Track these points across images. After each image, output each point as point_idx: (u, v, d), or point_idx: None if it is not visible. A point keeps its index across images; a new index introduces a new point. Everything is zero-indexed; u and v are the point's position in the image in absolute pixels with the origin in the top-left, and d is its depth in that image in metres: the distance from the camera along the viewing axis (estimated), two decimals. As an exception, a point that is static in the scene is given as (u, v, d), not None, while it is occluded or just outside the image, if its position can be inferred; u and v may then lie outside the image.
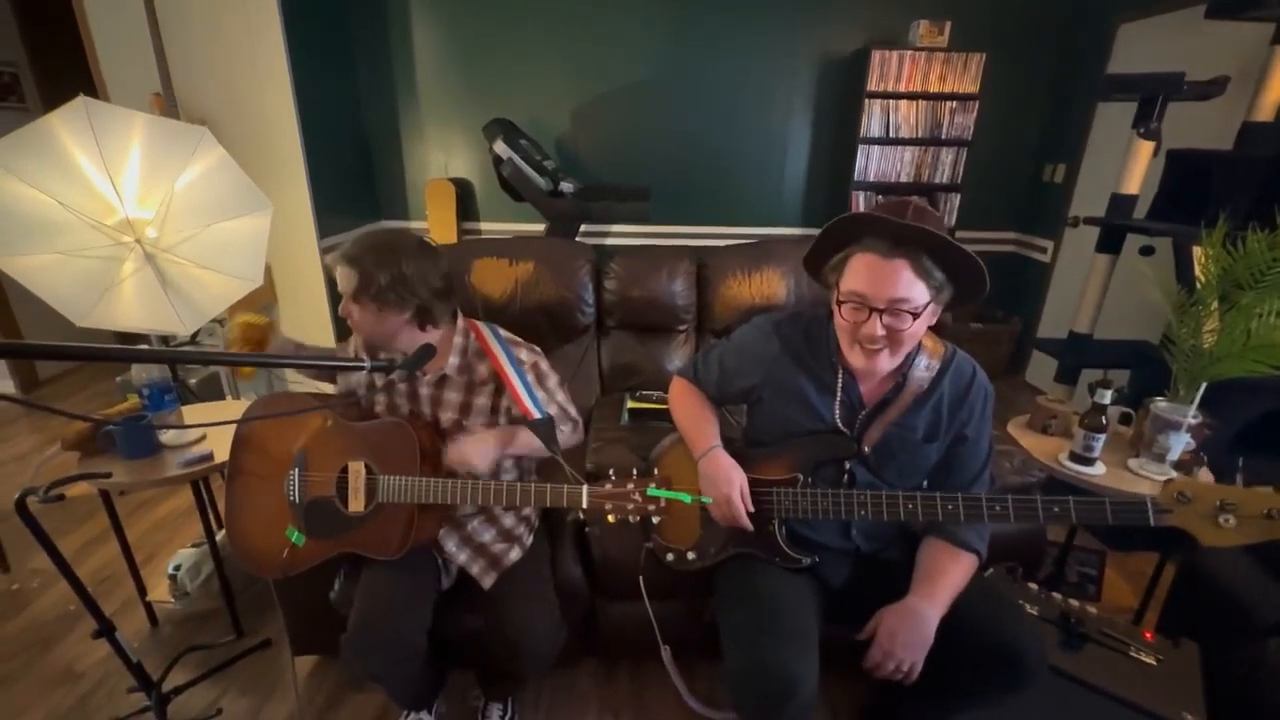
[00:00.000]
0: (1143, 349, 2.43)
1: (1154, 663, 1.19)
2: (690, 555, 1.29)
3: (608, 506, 1.08)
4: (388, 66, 3.39)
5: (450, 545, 1.32)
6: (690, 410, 1.32)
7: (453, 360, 1.30)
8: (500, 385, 1.29)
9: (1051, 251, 3.50)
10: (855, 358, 1.08)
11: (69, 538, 2.14)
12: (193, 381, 2.62)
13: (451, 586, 1.36)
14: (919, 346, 1.13)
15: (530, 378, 1.30)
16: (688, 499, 1.08)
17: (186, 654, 1.61)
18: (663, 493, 1.07)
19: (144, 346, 1.95)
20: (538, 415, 1.21)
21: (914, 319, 1.00)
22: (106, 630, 1.29)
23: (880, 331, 1.01)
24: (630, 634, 1.55)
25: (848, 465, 1.17)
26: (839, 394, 1.15)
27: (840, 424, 1.16)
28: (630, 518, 1.09)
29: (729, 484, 1.17)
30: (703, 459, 1.22)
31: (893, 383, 1.14)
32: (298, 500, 1.27)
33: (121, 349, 0.76)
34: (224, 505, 1.35)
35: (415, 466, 1.20)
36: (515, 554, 1.33)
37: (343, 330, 3.17)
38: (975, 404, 1.15)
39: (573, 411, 1.38)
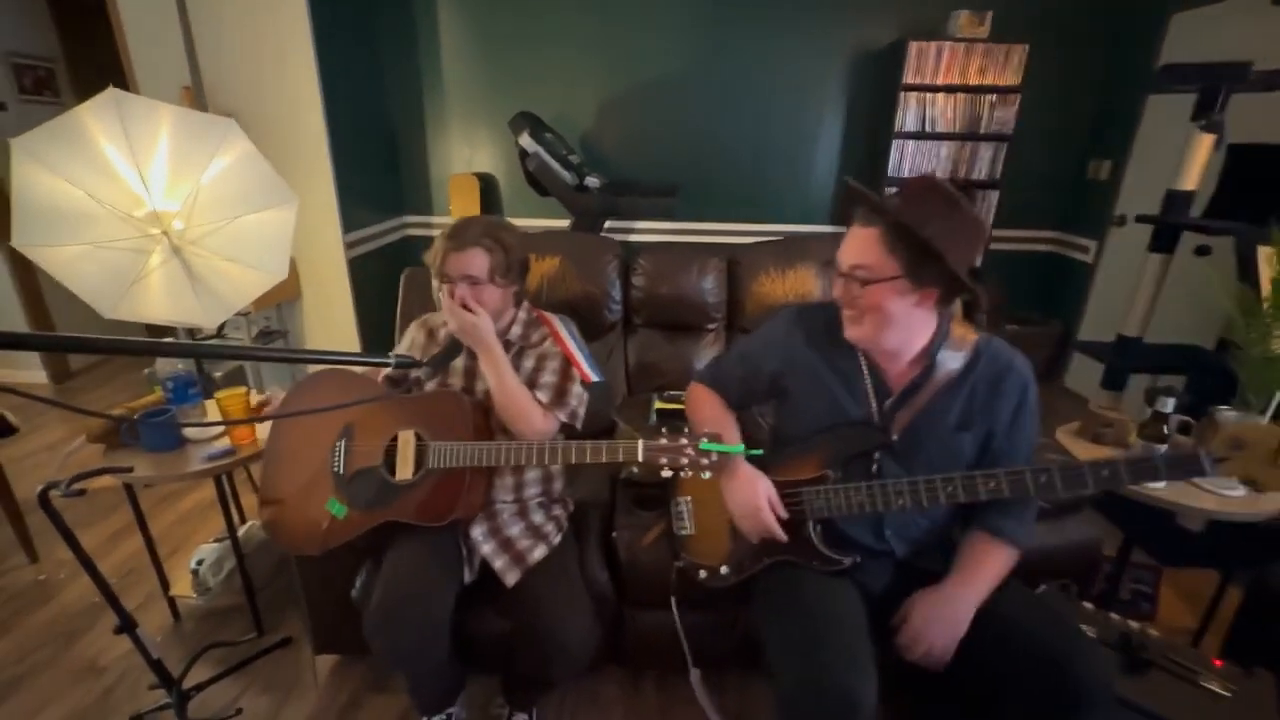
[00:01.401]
0: (1198, 353, 2.31)
1: (1226, 694, 1.10)
2: (724, 570, 1.24)
3: (663, 460, 1.09)
4: (413, 60, 3.37)
5: (477, 533, 1.29)
6: (708, 417, 1.26)
7: (516, 330, 1.38)
8: (545, 353, 1.36)
9: (1095, 251, 3.36)
10: (844, 327, 1.09)
11: (94, 529, 2.15)
12: (218, 375, 2.62)
13: (474, 584, 1.31)
14: (945, 334, 1.10)
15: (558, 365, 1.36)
16: (740, 449, 1.11)
17: (207, 651, 1.60)
18: (716, 446, 1.08)
19: (169, 340, 1.95)
20: (594, 378, 1.29)
21: (862, 286, 1.01)
22: (128, 626, 1.27)
23: (842, 294, 1.06)
24: (658, 644, 1.49)
25: (876, 457, 1.12)
26: (866, 379, 1.13)
27: (872, 411, 1.13)
28: (684, 470, 1.08)
29: (755, 494, 1.14)
30: (724, 472, 1.17)
31: (920, 368, 1.10)
32: (342, 471, 1.27)
33: (141, 342, 0.73)
34: (260, 481, 1.36)
35: (469, 432, 1.23)
36: (540, 552, 1.29)
37: (365, 326, 3.18)
38: (1011, 393, 1.10)
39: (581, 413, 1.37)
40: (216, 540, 1.87)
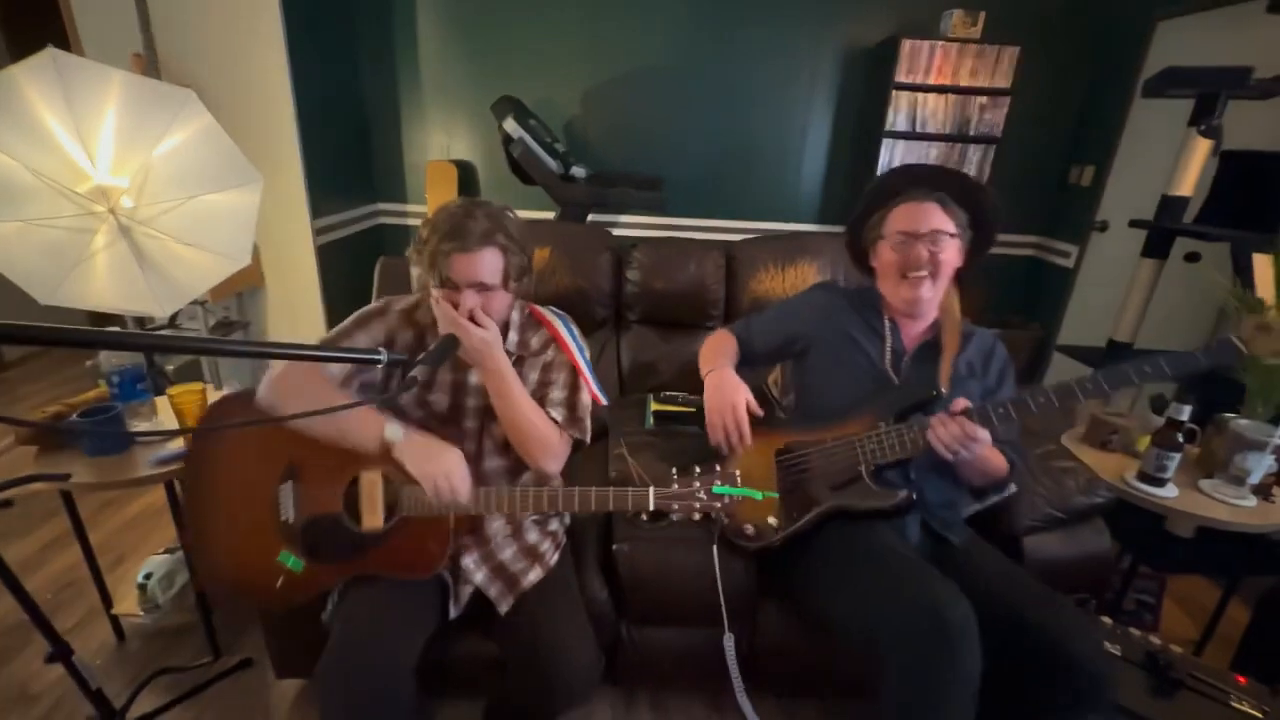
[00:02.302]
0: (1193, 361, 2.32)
1: (1260, 715, 1.06)
2: (772, 520, 1.22)
3: (675, 506, 1.03)
4: (389, 38, 3.19)
5: (468, 561, 1.15)
6: (714, 346, 1.41)
7: (513, 336, 1.20)
8: (551, 362, 1.22)
9: (1075, 257, 3.39)
10: (904, 291, 1.23)
11: (26, 540, 1.94)
12: (170, 368, 2.42)
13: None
14: (948, 310, 1.28)
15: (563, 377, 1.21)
16: (758, 495, 1.03)
17: (156, 677, 1.44)
18: (729, 489, 1.02)
19: (115, 329, 1.77)
20: (605, 402, 1.19)
21: (950, 240, 1.19)
22: (62, 653, 1.12)
23: (925, 256, 1.19)
24: (655, 662, 1.40)
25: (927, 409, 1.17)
26: (887, 339, 1.28)
27: (888, 367, 1.27)
28: (695, 515, 1.04)
29: (735, 390, 1.25)
30: (710, 374, 1.31)
31: (931, 334, 1.29)
32: (292, 520, 1.08)
33: (88, 332, 0.61)
34: (189, 530, 1.15)
35: None
36: (535, 575, 1.16)
37: (334, 318, 2.99)
38: (998, 363, 1.31)
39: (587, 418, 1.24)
40: (167, 551, 1.69)
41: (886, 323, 1.29)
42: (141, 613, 1.57)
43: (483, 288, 1.06)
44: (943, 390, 1.18)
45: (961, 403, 1.10)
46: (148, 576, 1.58)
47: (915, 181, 1.24)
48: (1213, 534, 1.60)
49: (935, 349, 1.25)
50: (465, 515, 1.09)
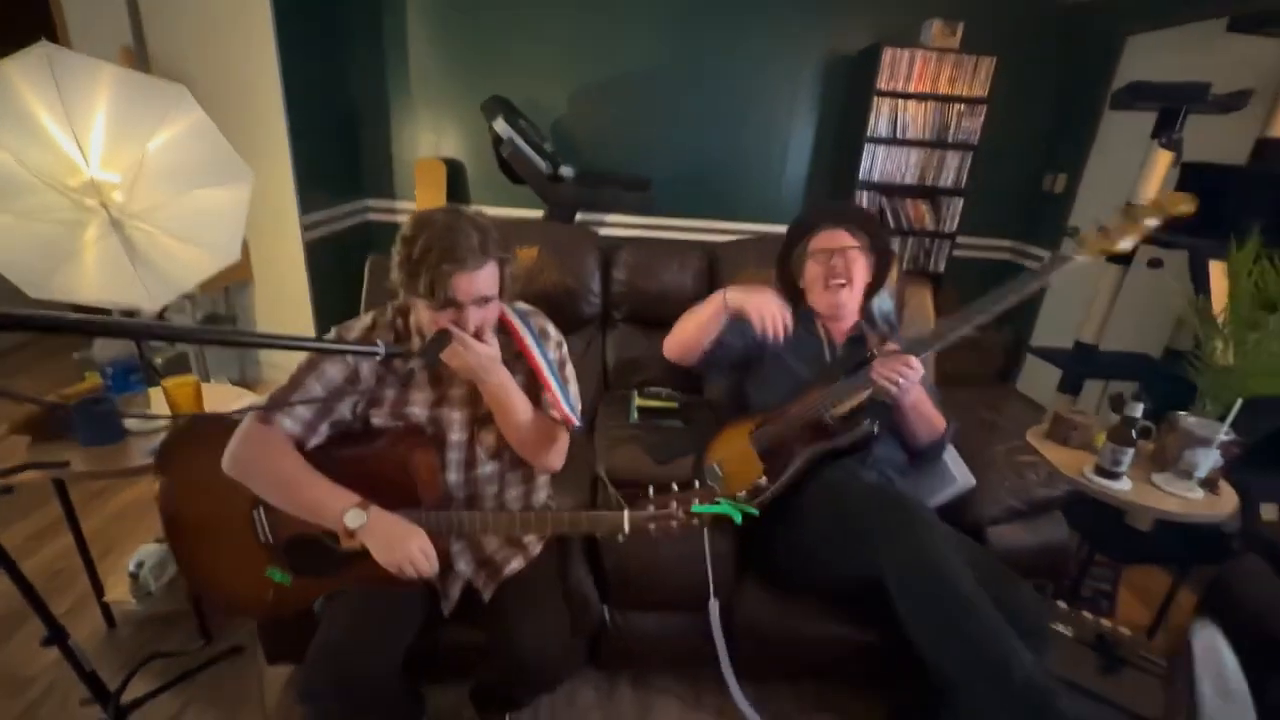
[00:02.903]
0: (1145, 361, 2.43)
1: (1196, 690, 1.14)
2: (762, 481, 1.25)
3: (651, 528, 1.00)
4: (379, 36, 3.21)
5: (461, 564, 1.19)
6: (695, 308, 1.51)
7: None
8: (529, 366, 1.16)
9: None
10: (829, 297, 1.50)
11: (16, 527, 1.96)
12: (159, 361, 2.43)
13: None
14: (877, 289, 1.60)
15: (562, 376, 1.19)
16: (737, 516, 1.00)
17: (149, 661, 1.47)
18: (708, 508, 1.00)
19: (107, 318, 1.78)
20: (577, 423, 1.11)
21: (859, 254, 1.49)
22: (58, 636, 1.15)
23: (841, 267, 1.47)
24: (638, 646, 1.46)
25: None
26: (823, 339, 1.54)
27: (828, 358, 1.52)
28: (675, 535, 1.02)
29: (760, 289, 1.41)
30: (720, 295, 1.44)
31: (856, 330, 1.55)
32: (271, 540, 1.10)
33: (89, 319, 0.65)
34: (173, 550, 1.15)
35: (414, 496, 1.05)
36: (517, 564, 1.21)
37: (321, 313, 3.01)
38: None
39: (579, 410, 1.24)
40: (159, 540, 1.72)
41: (820, 328, 1.55)
42: (133, 600, 1.60)
43: (484, 301, 1.04)
44: (875, 351, 1.39)
45: (891, 345, 1.36)
46: (140, 565, 1.61)
47: (825, 217, 1.56)
48: (1169, 526, 1.70)
49: (861, 338, 1.54)
50: (436, 537, 1.08)
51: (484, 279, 1.02)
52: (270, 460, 1.02)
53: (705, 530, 1.26)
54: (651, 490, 1.04)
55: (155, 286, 1.64)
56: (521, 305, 1.23)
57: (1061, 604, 1.34)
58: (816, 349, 1.53)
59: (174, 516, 1.14)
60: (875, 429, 1.33)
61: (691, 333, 1.48)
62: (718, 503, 0.99)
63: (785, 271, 1.62)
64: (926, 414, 1.40)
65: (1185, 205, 1.26)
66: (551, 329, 1.24)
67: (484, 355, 1.05)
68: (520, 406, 1.11)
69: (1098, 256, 1.28)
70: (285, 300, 2.95)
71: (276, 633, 1.40)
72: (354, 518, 0.98)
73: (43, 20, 2.50)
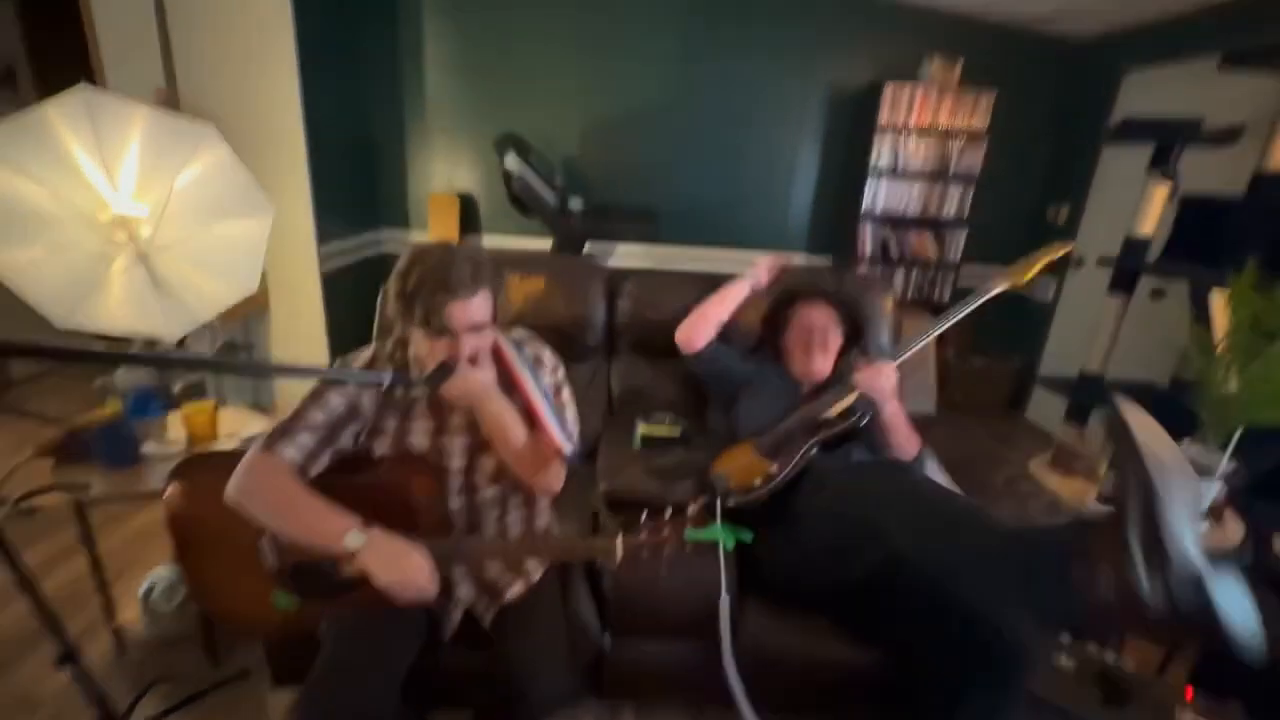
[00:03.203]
0: (1153, 391, 2.42)
1: (1201, 726, 1.13)
2: (773, 469, 1.44)
3: (644, 554, 1.01)
4: (397, 75, 3.36)
5: (463, 589, 1.21)
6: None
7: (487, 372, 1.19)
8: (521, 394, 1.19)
9: (1054, 291, 3.52)
10: (804, 362, 1.67)
11: (34, 549, 2.00)
12: (178, 386, 2.50)
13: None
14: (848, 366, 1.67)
15: (556, 402, 1.22)
16: (729, 542, 1.01)
17: (155, 685, 1.49)
18: (701, 535, 1.00)
19: (128, 350, 1.85)
20: (568, 450, 1.13)
21: (834, 326, 1.69)
22: (70, 657, 1.17)
23: (817, 338, 1.66)
24: (640, 674, 1.46)
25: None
26: (800, 386, 1.68)
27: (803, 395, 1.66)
28: (669, 559, 1.02)
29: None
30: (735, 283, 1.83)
31: (823, 382, 1.67)
32: (277, 565, 1.13)
33: (106, 352, 0.69)
34: (184, 574, 1.19)
35: (413, 523, 1.07)
36: (518, 589, 1.22)
37: (336, 342, 3.08)
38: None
39: (575, 433, 1.27)
40: (170, 564, 1.75)
41: (794, 379, 1.70)
42: (143, 623, 1.63)
43: (478, 329, 1.07)
44: (854, 363, 1.60)
45: (864, 360, 1.57)
46: (151, 588, 1.64)
47: (804, 293, 1.75)
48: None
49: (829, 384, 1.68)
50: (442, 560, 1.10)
51: (476, 307, 1.05)
52: (271, 488, 1.04)
53: (719, 514, 1.31)
54: (645, 515, 1.04)
55: (176, 317, 1.70)
56: (518, 332, 1.27)
57: (1066, 636, 1.33)
58: (793, 391, 1.68)
59: (184, 539, 1.17)
60: (868, 416, 1.49)
61: (713, 311, 1.78)
62: (711, 527, 1.00)
63: (770, 330, 1.80)
64: (901, 427, 1.54)
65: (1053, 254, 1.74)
66: (548, 354, 1.27)
67: (480, 384, 1.09)
68: (516, 432, 1.14)
69: (1013, 288, 1.70)
70: (301, 329, 3.02)
71: (283, 656, 1.42)
72: (354, 539, 1.00)
73: (83, 62, 2.65)
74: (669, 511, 1.04)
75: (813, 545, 1.32)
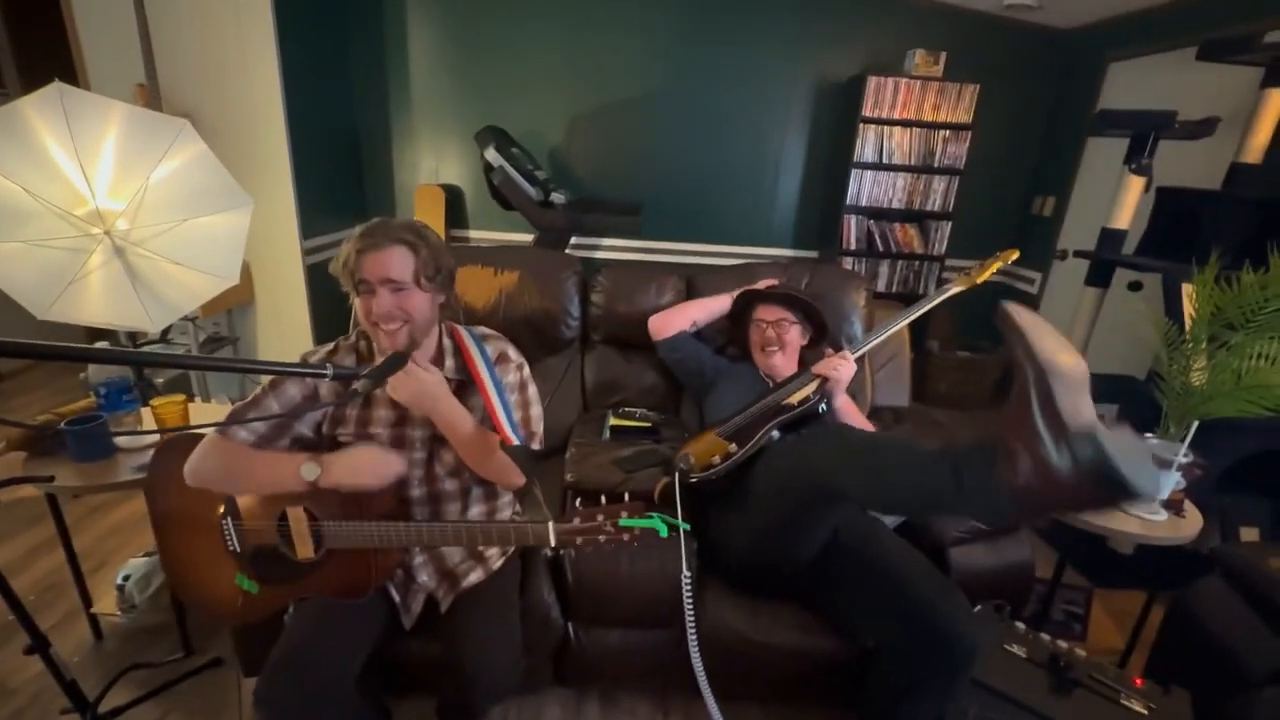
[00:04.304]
0: (1130, 384, 2.43)
1: (1145, 712, 1.15)
2: (732, 447, 1.46)
3: (579, 540, 1.02)
4: (381, 68, 3.36)
5: (423, 576, 1.23)
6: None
7: (450, 362, 1.21)
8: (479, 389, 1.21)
9: (1039, 283, 3.52)
10: (764, 360, 1.72)
11: (14, 542, 2.03)
12: (159, 381, 2.52)
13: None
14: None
15: (514, 398, 1.23)
16: (663, 530, 1.01)
17: (128, 672, 1.52)
18: (636, 522, 1.00)
19: (102, 344, 1.87)
20: (516, 441, 1.14)
21: (791, 325, 1.71)
22: (40, 646, 1.20)
23: (774, 336, 1.70)
24: (602, 662, 1.49)
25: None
26: (766, 382, 1.70)
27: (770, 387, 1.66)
28: (606, 547, 1.02)
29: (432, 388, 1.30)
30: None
31: (795, 368, 1.71)
32: (239, 549, 1.15)
33: (73, 348, 0.70)
34: (159, 554, 1.24)
35: (367, 510, 1.09)
36: (476, 576, 1.25)
37: (321, 334, 3.10)
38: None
39: (539, 432, 1.29)
40: (146, 555, 1.78)
41: (762, 378, 1.73)
42: (119, 612, 1.66)
43: (395, 286, 1.08)
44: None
45: (830, 350, 1.64)
46: (126, 578, 1.66)
47: (763, 297, 1.76)
48: (1150, 550, 1.69)
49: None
50: (383, 549, 1.13)
51: (392, 261, 1.08)
52: (225, 458, 1.10)
53: (678, 493, 1.38)
54: (579, 502, 1.04)
55: (156, 310, 1.72)
56: (481, 329, 1.29)
57: (1019, 625, 1.35)
58: (761, 385, 1.69)
59: (159, 519, 1.21)
60: (825, 405, 1.52)
61: (692, 311, 1.84)
62: (649, 517, 1.00)
63: (735, 330, 1.85)
64: (853, 415, 1.64)
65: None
66: (512, 352, 1.28)
67: (430, 384, 1.11)
68: (470, 431, 1.15)
69: (970, 288, 1.82)
70: (285, 322, 3.04)
71: (253, 645, 1.44)
72: (309, 470, 1.05)
73: (65, 61, 2.65)
74: (625, 498, 1.05)
75: (765, 525, 1.34)
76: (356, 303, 1.13)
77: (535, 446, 1.26)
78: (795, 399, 1.53)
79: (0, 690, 1.52)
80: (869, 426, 1.66)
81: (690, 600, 1.32)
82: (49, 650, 1.20)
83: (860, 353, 1.65)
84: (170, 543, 1.21)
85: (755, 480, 1.39)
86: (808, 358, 1.73)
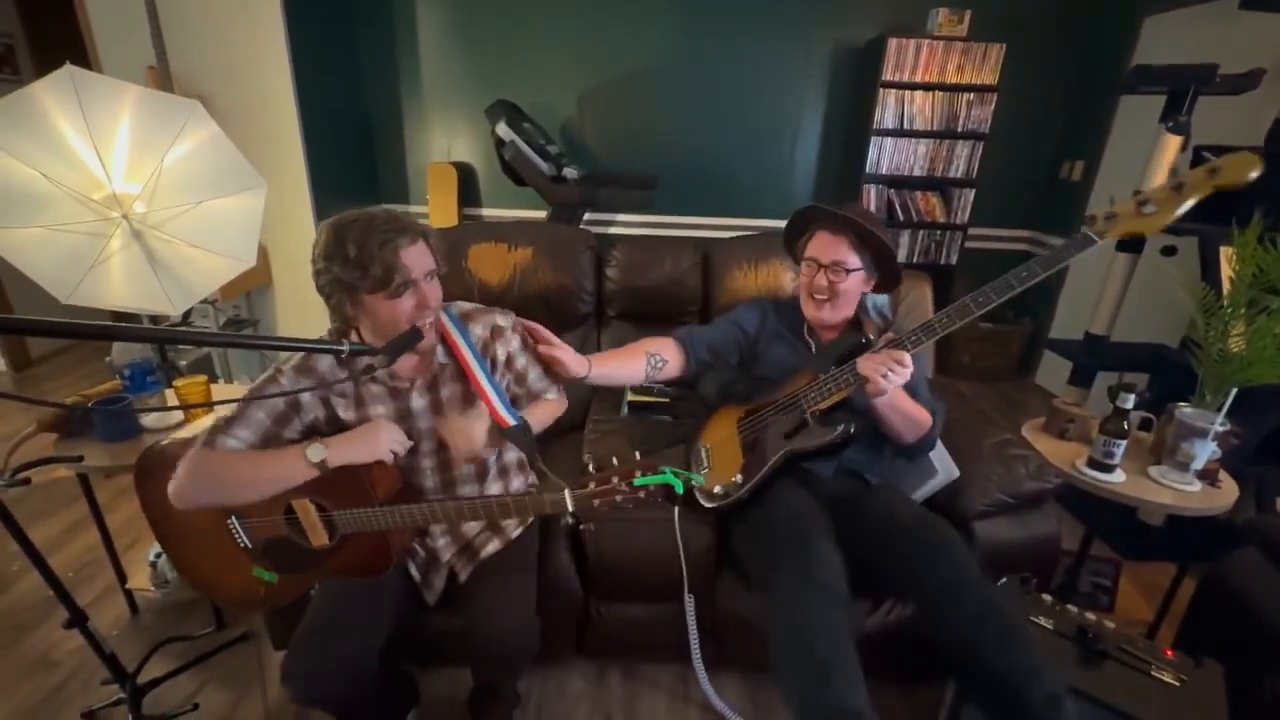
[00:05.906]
0: (1163, 352, 2.35)
1: (1177, 683, 1.12)
2: (738, 479, 1.34)
3: (595, 503, 1.00)
4: (390, 45, 3.32)
5: (440, 539, 1.24)
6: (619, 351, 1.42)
7: (441, 348, 1.17)
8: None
9: (1067, 251, 3.41)
10: (809, 308, 1.42)
11: (51, 521, 2.09)
12: (183, 363, 2.56)
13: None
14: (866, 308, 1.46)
15: (500, 378, 1.20)
16: (678, 485, 0.99)
17: (165, 645, 1.56)
18: (651, 479, 0.98)
19: (125, 324, 1.89)
20: (512, 422, 1.11)
21: (848, 274, 1.34)
22: (79, 620, 1.24)
23: (825, 284, 1.36)
24: (624, 635, 1.50)
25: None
26: (810, 342, 1.47)
27: (813, 352, 1.44)
28: (624, 507, 1.00)
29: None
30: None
31: (846, 325, 1.45)
32: (250, 545, 1.15)
33: (99, 326, 0.70)
34: (170, 557, 1.24)
35: (367, 496, 1.06)
36: (494, 546, 1.25)
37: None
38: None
39: (552, 384, 1.29)
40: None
41: (806, 328, 1.48)
42: (153, 588, 1.70)
43: (433, 275, 1.05)
44: (870, 337, 1.32)
45: (887, 336, 1.25)
46: (158, 555, 1.71)
47: (825, 218, 1.37)
48: (1181, 521, 1.65)
49: (850, 331, 1.45)
50: (401, 529, 1.11)
51: (428, 253, 1.04)
52: (217, 470, 1.03)
53: (678, 522, 1.32)
54: (591, 467, 1.02)
55: (176, 292, 1.73)
56: (460, 306, 1.22)
57: (1046, 597, 1.33)
58: (803, 350, 1.47)
59: (160, 527, 1.21)
60: (851, 431, 1.27)
61: (610, 369, 1.36)
62: (661, 472, 0.98)
63: (792, 251, 1.51)
64: (905, 411, 1.29)
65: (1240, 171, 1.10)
66: (500, 318, 1.22)
67: (470, 436, 1.11)
68: (480, 437, 1.12)
69: (1125, 236, 1.23)
70: (304, 302, 3.07)
71: (281, 620, 1.48)
72: (314, 452, 1.01)
73: (76, 45, 2.66)
74: (614, 460, 1.02)
75: (760, 546, 1.28)
76: (380, 305, 1.02)
77: (550, 396, 1.28)
78: (826, 404, 1.29)
79: (44, 663, 1.58)
80: (924, 417, 1.31)
81: (693, 616, 1.33)
82: (87, 624, 1.24)
83: (917, 350, 1.20)
84: (179, 554, 1.23)
85: (764, 502, 1.32)
86: (869, 306, 1.45)
